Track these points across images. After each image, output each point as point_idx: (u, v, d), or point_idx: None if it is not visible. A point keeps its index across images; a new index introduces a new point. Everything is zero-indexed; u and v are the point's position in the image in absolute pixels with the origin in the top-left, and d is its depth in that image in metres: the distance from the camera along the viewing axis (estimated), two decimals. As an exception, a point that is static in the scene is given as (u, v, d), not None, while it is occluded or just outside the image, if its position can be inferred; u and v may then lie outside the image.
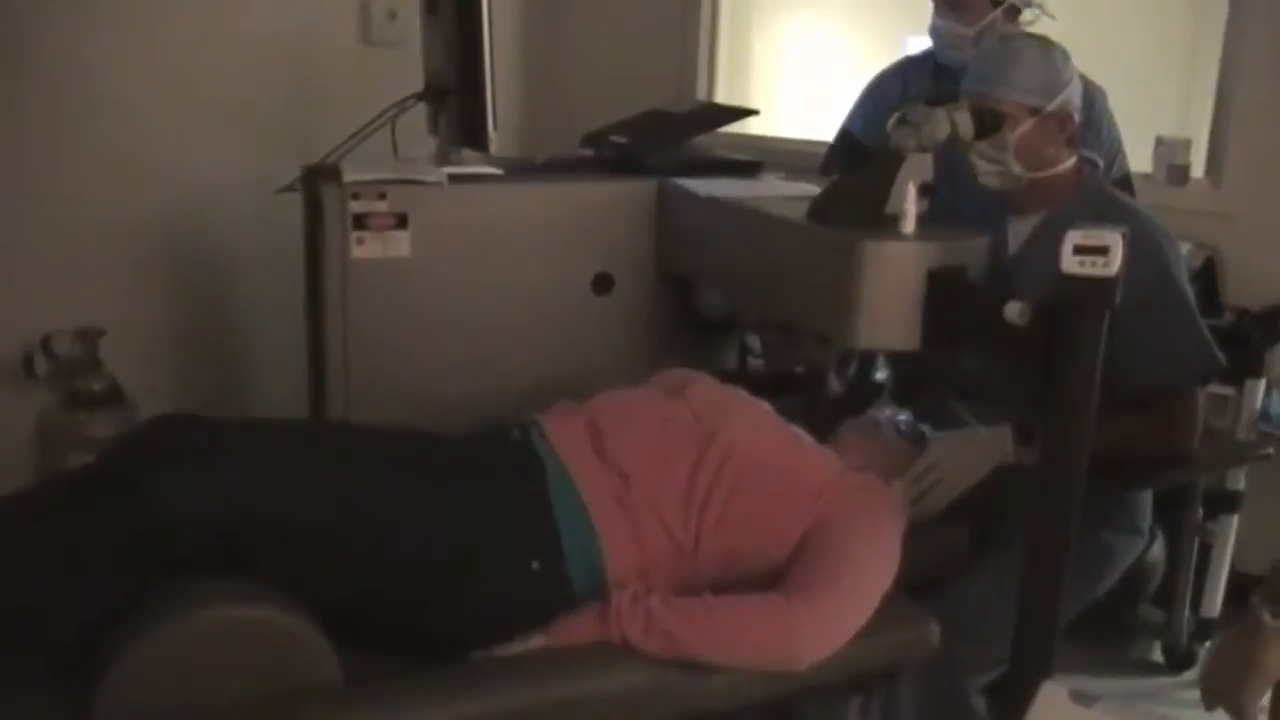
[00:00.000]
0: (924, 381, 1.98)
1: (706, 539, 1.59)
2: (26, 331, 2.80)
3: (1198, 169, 2.66)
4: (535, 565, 1.55)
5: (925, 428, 1.84)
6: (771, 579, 1.57)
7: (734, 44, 3.66)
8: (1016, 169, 1.80)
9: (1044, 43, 1.82)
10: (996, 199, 1.89)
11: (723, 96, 3.62)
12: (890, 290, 1.66)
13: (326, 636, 1.43)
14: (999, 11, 2.31)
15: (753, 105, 2.84)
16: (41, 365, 2.81)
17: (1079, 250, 1.40)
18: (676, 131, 2.60)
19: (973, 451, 1.77)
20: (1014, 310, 1.47)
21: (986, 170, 1.82)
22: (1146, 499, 1.94)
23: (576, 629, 1.53)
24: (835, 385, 2.05)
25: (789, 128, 3.47)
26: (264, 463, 1.56)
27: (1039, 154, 1.81)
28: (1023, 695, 1.31)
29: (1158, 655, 2.52)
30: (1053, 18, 2.33)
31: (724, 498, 1.61)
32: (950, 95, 1.89)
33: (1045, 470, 1.50)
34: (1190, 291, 1.81)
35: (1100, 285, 1.39)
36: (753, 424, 1.74)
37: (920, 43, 2.56)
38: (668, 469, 1.63)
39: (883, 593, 1.58)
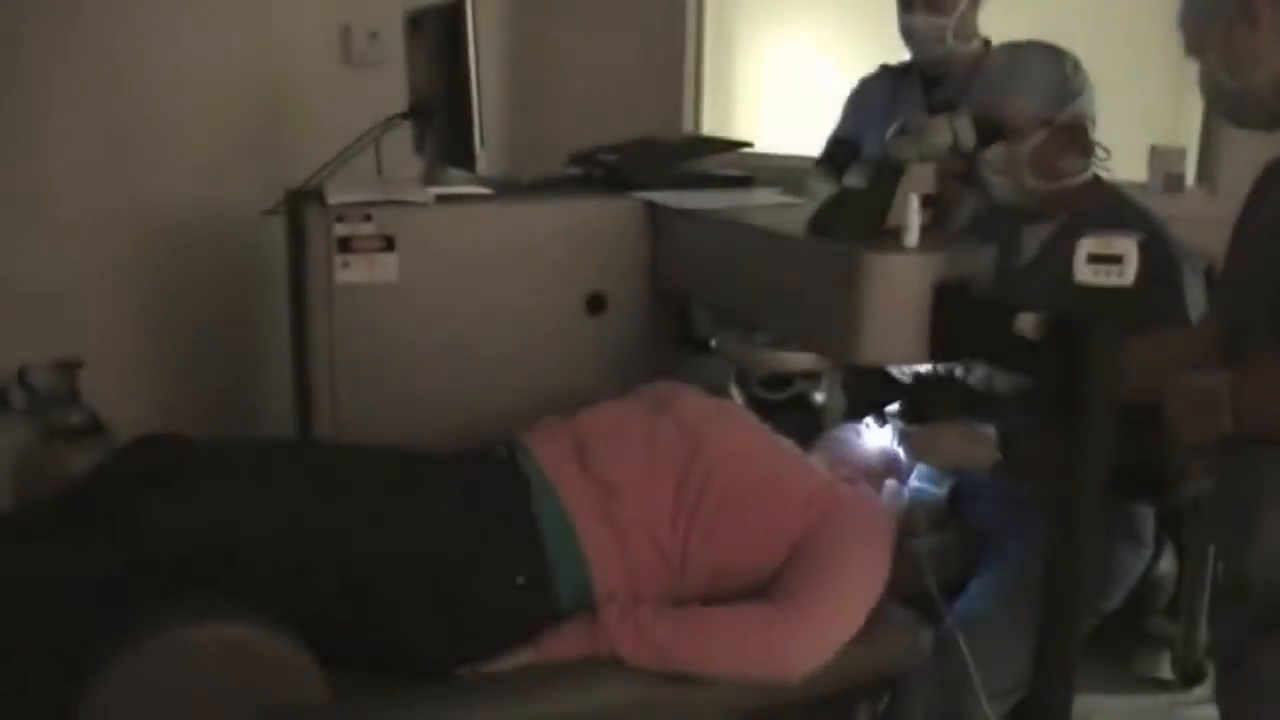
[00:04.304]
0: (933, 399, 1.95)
1: (694, 551, 1.59)
2: (2, 364, 2.74)
3: (1190, 177, 2.64)
4: (521, 580, 1.54)
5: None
6: (761, 591, 1.57)
7: (717, 58, 3.64)
8: (1029, 181, 1.78)
9: (1055, 51, 1.80)
10: (1007, 207, 1.86)
11: (708, 111, 3.60)
12: (895, 304, 1.62)
13: (313, 655, 1.42)
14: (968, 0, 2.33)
15: (736, 121, 2.83)
16: (18, 398, 2.75)
17: (1093, 259, 1.37)
18: (667, 156, 2.58)
19: (952, 438, 1.75)
20: (1027, 322, 1.43)
21: (998, 182, 1.80)
22: (1147, 509, 1.91)
23: (565, 644, 1.52)
24: (838, 401, 2.03)
25: (773, 145, 3.45)
26: (247, 483, 1.55)
27: (1052, 165, 1.78)
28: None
29: (1167, 671, 2.48)
30: None
31: (711, 510, 1.60)
32: (945, 105, 1.86)
33: (1062, 484, 1.46)
34: (1189, 305, 1.77)
35: (1115, 295, 1.36)
36: (739, 436, 1.74)
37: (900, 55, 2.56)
38: (653, 482, 1.63)
39: (872, 603, 1.58)
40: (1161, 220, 1.81)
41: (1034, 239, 1.87)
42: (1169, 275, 1.72)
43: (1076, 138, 1.79)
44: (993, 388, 1.87)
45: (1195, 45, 1.38)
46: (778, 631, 1.50)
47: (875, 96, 2.56)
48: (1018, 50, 1.86)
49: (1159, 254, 1.67)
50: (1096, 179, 1.85)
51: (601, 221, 2.26)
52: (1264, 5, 1.29)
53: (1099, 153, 1.82)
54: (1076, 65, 1.80)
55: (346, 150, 2.29)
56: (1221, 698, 1.48)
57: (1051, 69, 1.78)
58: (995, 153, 1.75)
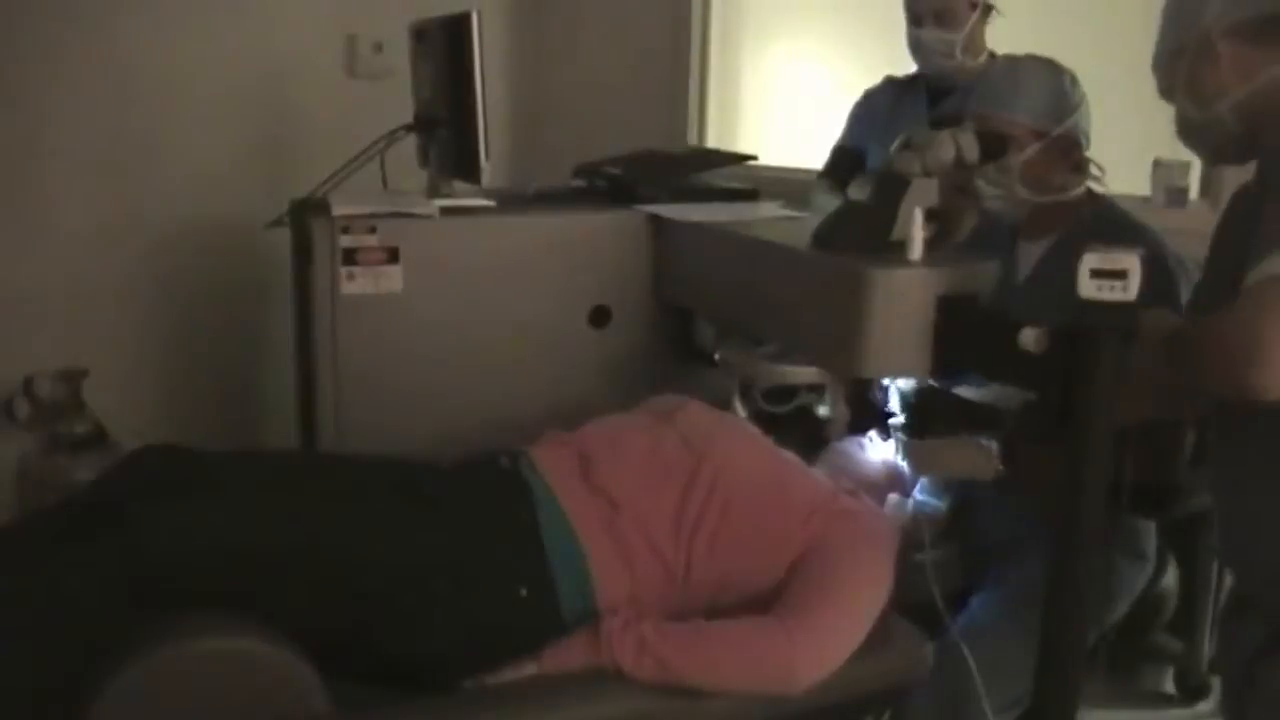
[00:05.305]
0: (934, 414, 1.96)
1: (698, 564, 1.58)
2: (7, 374, 2.75)
3: (1194, 190, 2.64)
4: (524, 592, 1.54)
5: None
6: (764, 604, 1.56)
7: (721, 71, 3.65)
8: (1021, 193, 1.78)
9: (1053, 66, 1.81)
10: (1005, 222, 1.86)
11: (712, 124, 3.60)
12: (899, 319, 1.61)
13: (315, 666, 1.41)
14: (976, 13, 2.35)
15: (740, 134, 2.83)
16: (22, 409, 2.75)
17: (1096, 274, 1.36)
18: (672, 169, 2.58)
19: (954, 452, 1.74)
20: (1029, 337, 1.43)
21: (990, 194, 1.80)
22: (1148, 523, 1.91)
23: (568, 656, 1.51)
24: (842, 414, 2.02)
25: (777, 158, 3.45)
26: (249, 494, 1.55)
27: (1044, 179, 1.79)
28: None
29: (1171, 686, 2.47)
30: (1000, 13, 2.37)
31: (714, 522, 1.60)
32: (949, 120, 1.86)
33: (1063, 497, 1.46)
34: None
35: (1119, 310, 1.36)
36: (742, 448, 1.73)
37: (906, 67, 2.57)
38: (657, 494, 1.62)
39: (875, 615, 1.57)
40: (1158, 236, 1.82)
41: (1030, 255, 1.87)
42: (1165, 291, 1.73)
43: (1069, 152, 1.80)
44: (996, 401, 1.86)
45: (1166, 86, 1.43)
46: (781, 644, 1.49)
47: (880, 107, 2.57)
48: (1016, 62, 1.87)
49: (1155, 270, 1.68)
50: (1091, 194, 1.86)
51: (605, 234, 2.26)
52: (1222, 40, 1.33)
53: (1094, 170, 1.82)
54: (1074, 80, 1.81)
55: (351, 162, 2.29)
56: (1229, 713, 1.47)
57: (1049, 82, 1.79)
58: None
